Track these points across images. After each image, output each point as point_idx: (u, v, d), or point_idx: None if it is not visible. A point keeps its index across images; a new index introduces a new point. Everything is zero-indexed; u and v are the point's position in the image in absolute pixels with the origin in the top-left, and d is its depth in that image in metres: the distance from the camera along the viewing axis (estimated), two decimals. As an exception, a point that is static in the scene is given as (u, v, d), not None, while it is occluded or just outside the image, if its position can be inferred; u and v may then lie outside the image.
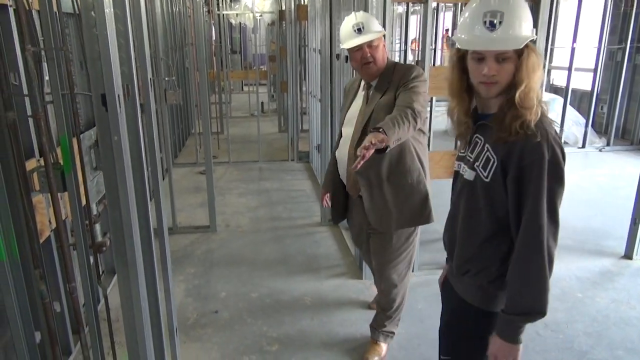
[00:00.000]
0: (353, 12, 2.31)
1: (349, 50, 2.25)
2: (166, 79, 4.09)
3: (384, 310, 2.61)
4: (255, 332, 2.87)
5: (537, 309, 1.37)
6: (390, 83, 2.23)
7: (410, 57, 8.76)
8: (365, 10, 3.03)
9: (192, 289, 3.32)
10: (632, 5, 6.63)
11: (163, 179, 4.62)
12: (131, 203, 1.73)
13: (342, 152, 2.36)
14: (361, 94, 2.37)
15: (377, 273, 2.55)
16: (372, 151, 1.71)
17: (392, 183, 2.26)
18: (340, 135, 2.45)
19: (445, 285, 1.71)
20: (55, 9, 1.88)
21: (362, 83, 2.38)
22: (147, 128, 2.15)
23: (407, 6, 6.77)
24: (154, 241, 2.06)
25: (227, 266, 3.64)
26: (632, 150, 6.87)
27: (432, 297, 3.17)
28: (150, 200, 2.04)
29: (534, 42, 1.36)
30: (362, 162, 1.70)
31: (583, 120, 6.97)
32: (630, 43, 6.75)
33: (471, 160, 1.47)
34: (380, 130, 1.81)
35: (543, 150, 1.31)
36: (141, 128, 1.87)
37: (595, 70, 7.00)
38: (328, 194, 2.62)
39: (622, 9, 6.88)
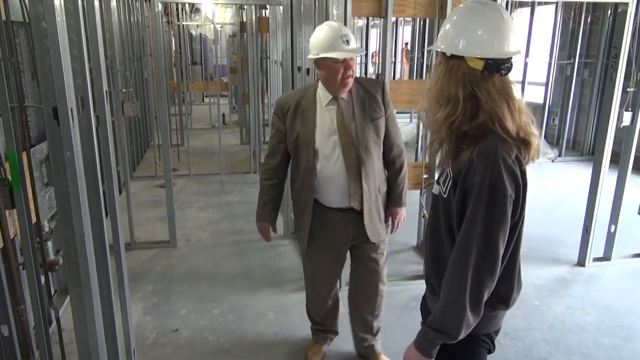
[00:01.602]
0: (334, 22, 2.28)
1: (330, 61, 2.13)
2: (123, 90, 3.98)
3: (376, 315, 2.64)
4: (217, 349, 2.80)
5: (449, 332, 1.33)
6: (366, 96, 2.26)
7: (370, 70, 8.90)
8: (327, 23, 3.06)
9: (150, 307, 3.21)
10: (580, 23, 6.96)
11: (120, 193, 4.47)
12: (85, 220, 1.66)
13: (332, 171, 2.24)
14: (326, 108, 2.24)
15: (367, 280, 2.55)
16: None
17: (380, 193, 2.37)
18: (314, 154, 2.24)
19: (423, 302, 1.70)
20: (3, 17, 1.80)
21: (319, 97, 2.25)
22: (103, 141, 2.08)
23: (367, 20, 6.88)
24: (110, 258, 1.99)
25: (187, 282, 3.54)
26: (582, 160, 7.17)
27: (395, 309, 3.19)
28: (106, 215, 1.97)
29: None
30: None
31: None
32: (579, 58, 7.08)
33: (440, 175, 1.49)
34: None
35: (484, 175, 1.26)
36: (97, 141, 1.80)
37: (546, 84, 7.30)
38: (271, 227, 2.55)
39: (571, 26, 7.22)
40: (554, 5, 7.25)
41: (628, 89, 3.58)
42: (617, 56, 3.46)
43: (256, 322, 3.06)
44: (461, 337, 1.34)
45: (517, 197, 1.30)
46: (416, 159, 6.50)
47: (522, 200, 1.33)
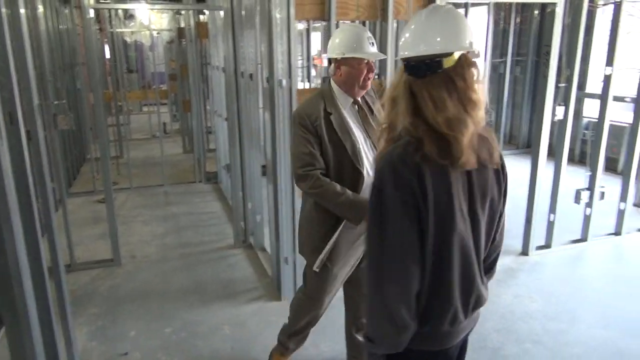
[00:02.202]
0: (355, 24, 2.33)
1: (355, 61, 2.06)
2: (55, 102, 3.75)
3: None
4: (171, 369, 2.68)
5: (373, 340, 1.34)
6: (368, 100, 2.24)
7: (313, 73, 8.91)
8: (270, 27, 3.01)
9: (96, 331, 3.02)
10: (509, 23, 7.29)
11: (56, 211, 4.21)
12: (18, 242, 1.52)
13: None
14: (349, 112, 2.15)
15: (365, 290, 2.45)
16: None
17: None
18: (358, 159, 2.09)
19: None
20: None
21: (339, 102, 2.14)
22: (35, 157, 1.93)
23: (309, 23, 6.88)
24: (49, 281, 1.84)
25: (135, 301, 3.37)
26: (519, 154, 7.51)
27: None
28: (43, 235, 1.82)
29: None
30: None
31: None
32: (510, 57, 7.41)
33: None
34: None
35: (375, 179, 1.28)
36: (28, 157, 1.67)
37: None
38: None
39: (502, 25, 7.55)
40: (486, 6, 7.56)
41: (559, 85, 3.76)
42: (548, 54, 3.63)
43: (211, 338, 2.95)
44: (386, 348, 1.34)
45: (419, 201, 1.23)
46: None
47: (436, 205, 1.24)
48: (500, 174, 1.37)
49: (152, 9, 6.62)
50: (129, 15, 8.42)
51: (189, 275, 3.75)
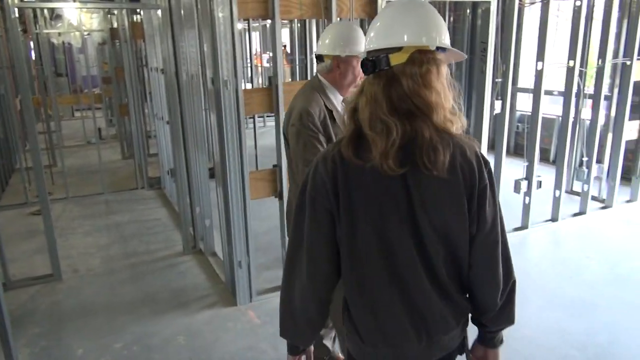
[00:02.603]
0: (349, 21, 2.33)
1: (356, 60, 2.05)
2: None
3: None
4: (125, 387, 2.55)
5: (280, 329, 1.38)
6: None
7: (253, 72, 8.80)
8: (212, 26, 2.93)
9: (39, 353, 2.83)
10: (445, 21, 7.51)
11: (-14, 227, 3.91)
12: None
13: None
14: (341, 112, 2.11)
15: None
16: None
17: None
18: None
19: None
20: None
21: (333, 99, 2.13)
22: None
23: (249, 23, 6.78)
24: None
25: (80, 318, 3.18)
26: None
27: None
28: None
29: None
30: None
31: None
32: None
33: None
34: None
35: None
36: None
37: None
38: None
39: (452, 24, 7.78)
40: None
41: (496, 80, 3.92)
42: (485, 50, 3.77)
43: (166, 350, 2.84)
44: (289, 338, 1.37)
45: (331, 200, 1.21)
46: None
47: (348, 205, 1.20)
48: (458, 186, 1.19)
49: (81, 9, 6.28)
50: (55, 16, 7.93)
51: (138, 286, 3.59)
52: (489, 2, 3.70)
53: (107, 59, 7.12)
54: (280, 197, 3.28)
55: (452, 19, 7.67)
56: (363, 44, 2.01)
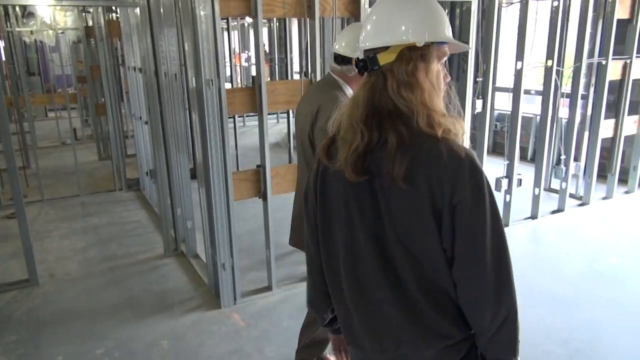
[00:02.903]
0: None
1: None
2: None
3: None
4: (107, 394, 2.48)
5: None
6: None
7: (232, 72, 8.73)
8: (194, 24, 2.88)
9: (16, 361, 2.74)
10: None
11: (-43, 231, 3.77)
12: None
13: None
14: None
15: None
16: None
17: None
18: None
19: None
20: None
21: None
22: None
23: (228, 22, 6.71)
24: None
25: (59, 324, 3.09)
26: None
27: (296, 313, 3.13)
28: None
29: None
30: None
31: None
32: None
33: None
34: None
35: None
36: None
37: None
38: None
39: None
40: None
41: (477, 79, 3.96)
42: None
43: (149, 355, 2.78)
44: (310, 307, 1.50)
45: (315, 196, 1.28)
46: (290, 161, 6.54)
47: (321, 204, 1.26)
48: (421, 198, 1.08)
49: (55, 6, 6.12)
50: (28, 13, 7.71)
51: (118, 290, 3.51)
52: (470, 2, 3.73)
53: (82, 58, 6.96)
54: (264, 198, 3.25)
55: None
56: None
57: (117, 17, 5.86)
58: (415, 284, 1.14)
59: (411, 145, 1.08)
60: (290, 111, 5.82)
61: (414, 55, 1.12)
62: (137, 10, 4.07)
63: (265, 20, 9.65)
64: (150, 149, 4.62)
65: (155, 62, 3.84)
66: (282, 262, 3.77)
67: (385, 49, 1.13)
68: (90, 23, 6.62)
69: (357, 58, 1.19)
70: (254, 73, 6.36)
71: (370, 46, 1.16)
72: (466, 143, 1.14)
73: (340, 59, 2.17)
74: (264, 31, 10.69)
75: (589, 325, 2.97)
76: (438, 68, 1.16)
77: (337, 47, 2.19)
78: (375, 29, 1.17)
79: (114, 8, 6.18)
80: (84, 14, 7.02)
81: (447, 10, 7.59)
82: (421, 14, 1.14)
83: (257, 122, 3.20)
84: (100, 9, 5.67)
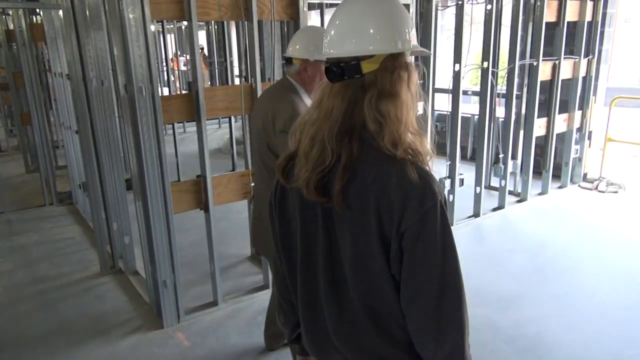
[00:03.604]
0: (319, 26, 2.38)
1: (314, 65, 2.15)
2: None
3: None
4: None
5: None
6: None
7: (171, 78, 8.44)
8: (122, 28, 2.70)
9: None
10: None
11: None
12: None
13: None
14: None
15: None
16: None
17: None
18: None
19: None
20: None
21: (309, 103, 2.20)
22: None
23: (162, 24, 6.45)
24: None
25: (-20, 357, 2.82)
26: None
27: (245, 328, 3.01)
28: None
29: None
30: None
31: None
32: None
33: None
34: None
35: None
36: None
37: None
38: None
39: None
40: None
41: (418, 82, 3.98)
42: (406, 52, 3.81)
43: (84, 385, 2.58)
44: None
45: (276, 212, 1.23)
46: (233, 168, 6.38)
47: (281, 217, 1.21)
48: (368, 223, 1.03)
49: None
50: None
51: (50, 315, 3.24)
52: (408, 4, 3.74)
53: (4, 64, 6.48)
54: (206, 210, 3.10)
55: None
56: None
57: (40, 20, 5.48)
58: (362, 307, 1.09)
59: (362, 165, 1.02)
60: (232, 117, 5.68)
61: (397, 64, 1.05)
62: (61, 12, 3.80)
63: (203, 23, 9.40)
64: (82, 160, 4.33)
65: (83, 67, 3.60)
66: (227, 274, 3.64)
67: (369, 57, 1.03)
68: (11, 26, 6.16)
69: (332, 64, 1.05)
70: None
71: (349, 54, 1.04)
72: (429, 163, 1.06)
73: (288, 61, 2.21)
74: (202, 34, 10.45)
75: (534, 321, 3.04)
76: (417, 77, 1.09)
77: (290, 50, 2.20)
78: (357, 35, 1.04)
79: (37, 10, 5.78)
80: (3, 16, 6.53)
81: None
82: (403, 19, 1.06)
83: (209, 127, 3.05)
84: (20, 12, 5.28)
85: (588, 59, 5.21)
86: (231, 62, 7.62)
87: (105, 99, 3.57)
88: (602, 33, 5.15)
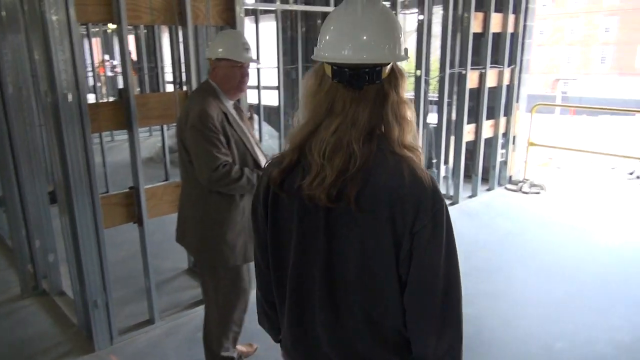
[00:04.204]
0: (235, 30, 2.50)
1: (230, 64, 2.21)
2: None
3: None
4: None
5: None
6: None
7: (98, 83, 8.02)
8: (44, 31, 2.50)
9: None
10: (297, 30, 7.64)
11: None
12: None
13: None
14: (232, 116, 2.26)
15: None
16: None
17: None
18: (260, 170, 2.25)
19: None
20: None
21: (228, 105, 2.26)
22: None
23: (87, 28, 6.11)
24: None
25: None
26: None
27: (184, 345, 2.88)
28: None
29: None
30: None
31: (276, 133, 7.70)
32: (302, 63, 7.78)
33: None
34: None
35: None
36: None
37: (278, 88, 7.80)
38: None
39: (289, 33, 7.88)
40: (274, 14, 7.79)
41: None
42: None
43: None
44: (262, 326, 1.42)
45: (267, 207, 1.20)
46: (167, 178, 6.14)
47: (273, 213, 1.18)
48: (382, 224, 1.07)
49: None
50: None
51: (-39, 345, 2.94)
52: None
53: None
54: (140, 223, 2.94)
55: (304, 29, 7.82)
56: (242, 53, 2.22)
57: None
58: (361, 313, 1.13)
59: (376, 168, 1.05)
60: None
61: (401, 70, 1.11)
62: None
63: (131, 27, 9.02)
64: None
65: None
66: (163, 289, 3.48)
67: (386, 63, 1.08)
68: None
69: (352, 70, 1.04)
70: (121, 84, 5.86)
71: (382, 60, 1.06)
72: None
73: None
74: (131, 38, 10.04)
75: (471, 321, 3.13)
76: None
77: (208, 53, 2.27)
78: (391, 41, 1.06)
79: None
80: None
81: (319, 21, 7.75)
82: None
83: (127, 136, 2.89)
84: None
85: (511, 68, 5.52)
86: (162, 68, 7.34)
87: (25, 106, 3.31)
88: (523, 44, 5.48)
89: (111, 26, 8.22)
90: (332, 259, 1.12)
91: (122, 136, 7.94)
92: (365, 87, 1.06)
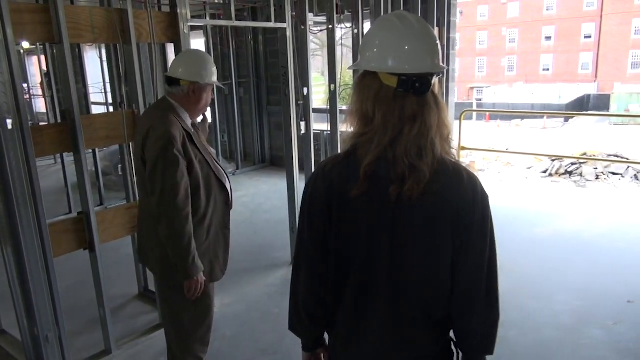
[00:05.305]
0: (200, 51, 2.36)
1: (209, 87, 2.23)
2: None
3: None
4: None
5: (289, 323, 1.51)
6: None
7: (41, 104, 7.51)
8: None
9: None
10: (229, 47, 7.63)
11: None
12: None
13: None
14: (195, 134, 2.22)
15: None
16: None
17: None
18: (224, 190, 2.27)
19: None
20: None
21: (188, 122, 2.20)
22: None
23: (38, 45, 5.72)
24: None
25: None
26: (256, 169, 7.92)
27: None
28: None
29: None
30: None
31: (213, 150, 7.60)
32: (235, 79, 7.77)
33: None
34: None
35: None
36: None
37: (212, 104, 7.72)
38: None
39: (220, 49, 7.84)
40: (202, 30, 7.73)
41: (299, 102, 4.11)
42: (286, 74, 3.92)
43: None
44: (296, 332, 1.43)
45: (332, 205, 1.25)
46: (101, 202, 5.86)
47: (340, 211, 1.25)
48: (444, 217, 1.19)
49: None
50: None
51: None
52: (285, 28, 3.86)
53: None
54: (92, 249, 2.81)
55: (234, 44, 7.82)
56: (215, 74, 2.25)
57: None
58: (417, 301, 1.24)
59: (439, 167, 1.17)
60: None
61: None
62: None
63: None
64: None
65: None
66: (116, 317, 3.33)
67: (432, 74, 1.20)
68: None
69: (405, 78, 1.16)
70: (38, 108, 5.48)
71: (440, 69, 1.20)
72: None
73: (171, 82, 2.18)
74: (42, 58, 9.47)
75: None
76: None
77: (180, 72, 2.19)
78: (432, 52, 1.20)
79: None
80: None
81: (250, 36, 7.78)
82: None
83: (50, 161, 2.77)
84: None
85: (439, 78, 5.83)
86: (86, 88, 6.95)
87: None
88: (448, 55, 5.84)
89: (25, 45, 7.69)
90: (394, 253, 1.22)
91: (44, 162, 7.41)
92: (421, 96, 1.19)
